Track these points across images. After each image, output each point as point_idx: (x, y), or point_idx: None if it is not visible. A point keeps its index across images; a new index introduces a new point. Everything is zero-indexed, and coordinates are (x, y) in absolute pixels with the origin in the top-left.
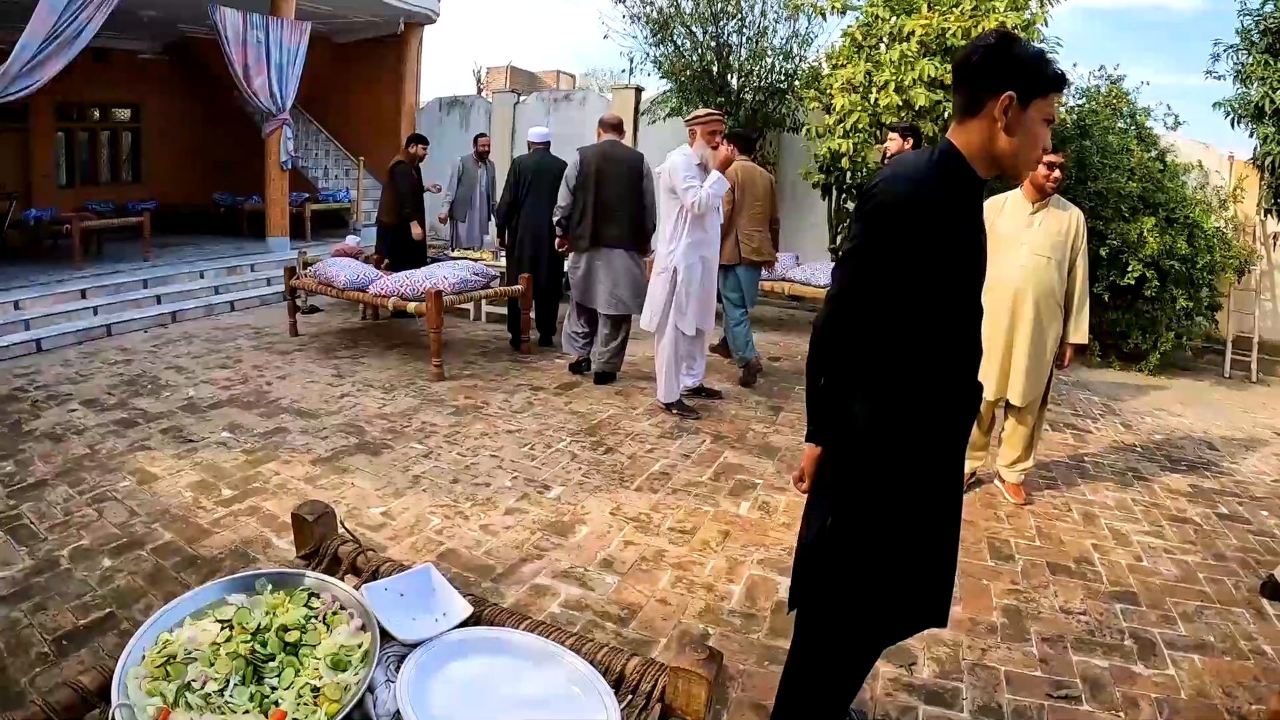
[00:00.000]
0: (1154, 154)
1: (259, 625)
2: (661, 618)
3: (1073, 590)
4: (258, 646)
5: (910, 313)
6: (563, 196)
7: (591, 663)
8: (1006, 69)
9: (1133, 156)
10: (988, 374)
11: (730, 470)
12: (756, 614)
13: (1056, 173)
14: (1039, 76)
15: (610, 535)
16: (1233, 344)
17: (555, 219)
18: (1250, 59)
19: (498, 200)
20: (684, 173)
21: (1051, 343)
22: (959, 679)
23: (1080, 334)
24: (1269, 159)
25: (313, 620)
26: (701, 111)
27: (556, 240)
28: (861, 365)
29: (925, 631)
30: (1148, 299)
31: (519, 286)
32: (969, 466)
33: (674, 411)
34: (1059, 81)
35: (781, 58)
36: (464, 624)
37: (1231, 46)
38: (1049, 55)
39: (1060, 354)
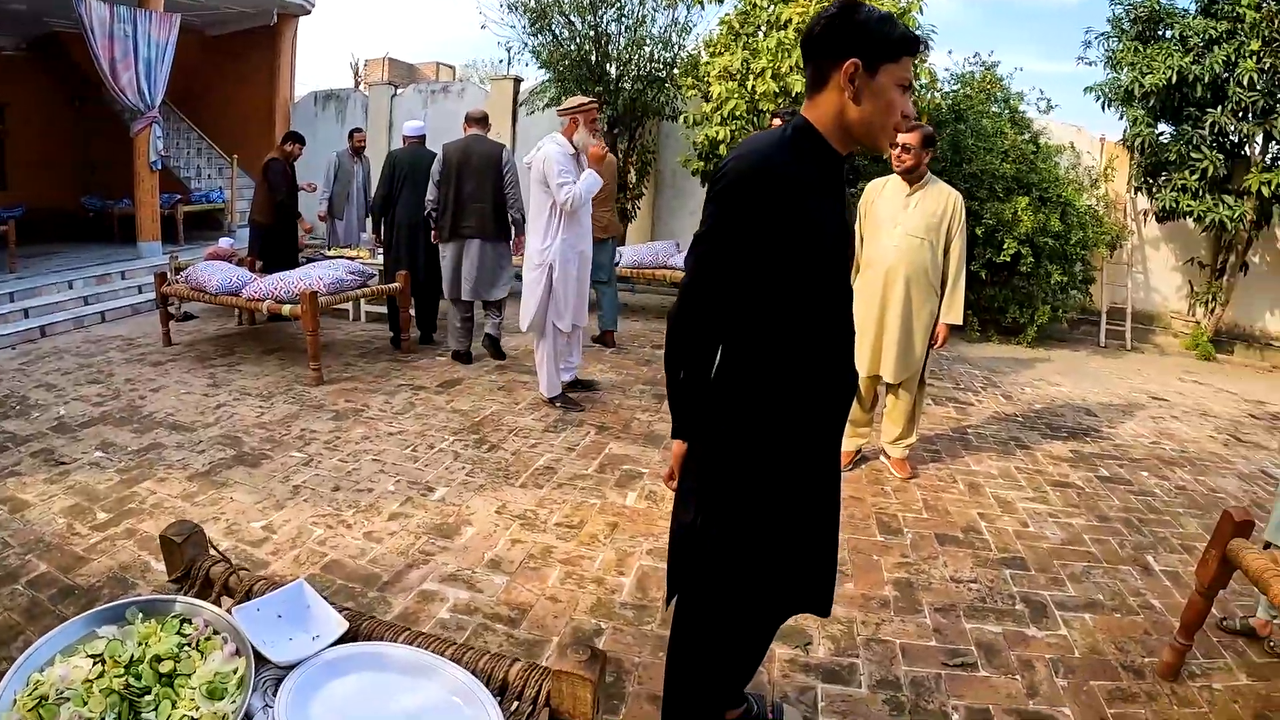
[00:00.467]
0: (1027, 137)
1: (132, 657)
2: (553, 616)
3: (962, 559)
4: (132, 680)
5: (768, 296)
6: (430, 190)
7: (473, 671)
8: (849, 36)
9: (1006, 139)
10: (860, 351)
11: (615, 461)
12: (649, 605)
13: (905, 155)
14: (885, 40)
15: (497, 534)
16: (1107, 315)
17: (425, 212)
18: (1121, 46)
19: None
20: (559, 166)
21: (924, 322)
22: (855, 655)
23: (954, 314)
24: (1138, 140)
25: (186, 648)
26: (580, 100)
27: (432, 234)
28: (722, 355)
29: None
30: (1024, 275)
31: (397, 284)
32: (853, 444)
33: (557, 405)
34: (909, 43)
35: (660, 46)
36: (341, 640)
37: (1103, 34)
38: (896, 18)
39: (935, 333)
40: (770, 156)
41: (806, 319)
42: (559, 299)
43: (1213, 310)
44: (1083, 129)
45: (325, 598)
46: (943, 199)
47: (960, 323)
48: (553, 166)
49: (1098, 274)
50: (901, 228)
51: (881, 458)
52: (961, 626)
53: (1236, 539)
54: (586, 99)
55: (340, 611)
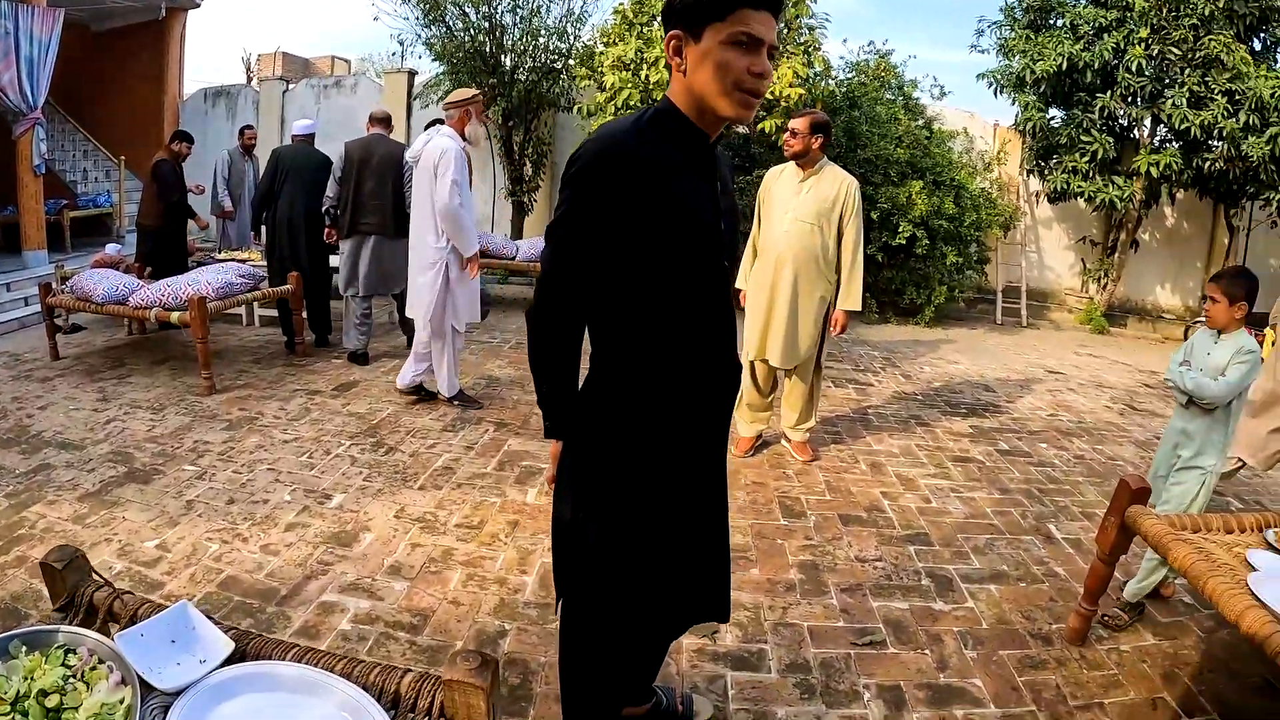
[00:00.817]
0: (921, 123)
1: (18, 693)
2: (455, 620)
3: (866, 539)
4: (19, 717)
5: (631, 284)
6: (330, 188)
7: (364, 686)
8: (668, 9)
9: (901, 125)
10: (751, 336)
11: (515, 458)
12: (552, 603)
13: (793, 140)
14: (699, 3)
15: (396, 540)
16: (1003, 293)
17: (324, 208)
18: (1013, 34)
19: None
20: (456, 163)
21: (814, 308)
22: (763, 640)
23: (852, 300)
24: (1030, 124)
25: (71, 680)
26: (469, 92)
27: (325, 230)
28: (590, 348)
29: None
30: (919, 257)
31: (289, 286)
32: (754, 430)
33: (455, 404)
34: None
35: (555, 36)
36: (229, 661)
37: (996, 23)
38: None
39: (834, 319)
40: (624, 139)
41: (674, 307)
42: (456, 298)
43: (1105, 286)
44: (976, 115)
45: (218, 617)
46: (836, 185)
47: (859, 308)
48: (450, 163)
49: (993, 254)
50: (792, 214)
51: (783, 441)
52: (869, 605)
53: (1134, 505)
54: (474, 91)
55: (228, 631)
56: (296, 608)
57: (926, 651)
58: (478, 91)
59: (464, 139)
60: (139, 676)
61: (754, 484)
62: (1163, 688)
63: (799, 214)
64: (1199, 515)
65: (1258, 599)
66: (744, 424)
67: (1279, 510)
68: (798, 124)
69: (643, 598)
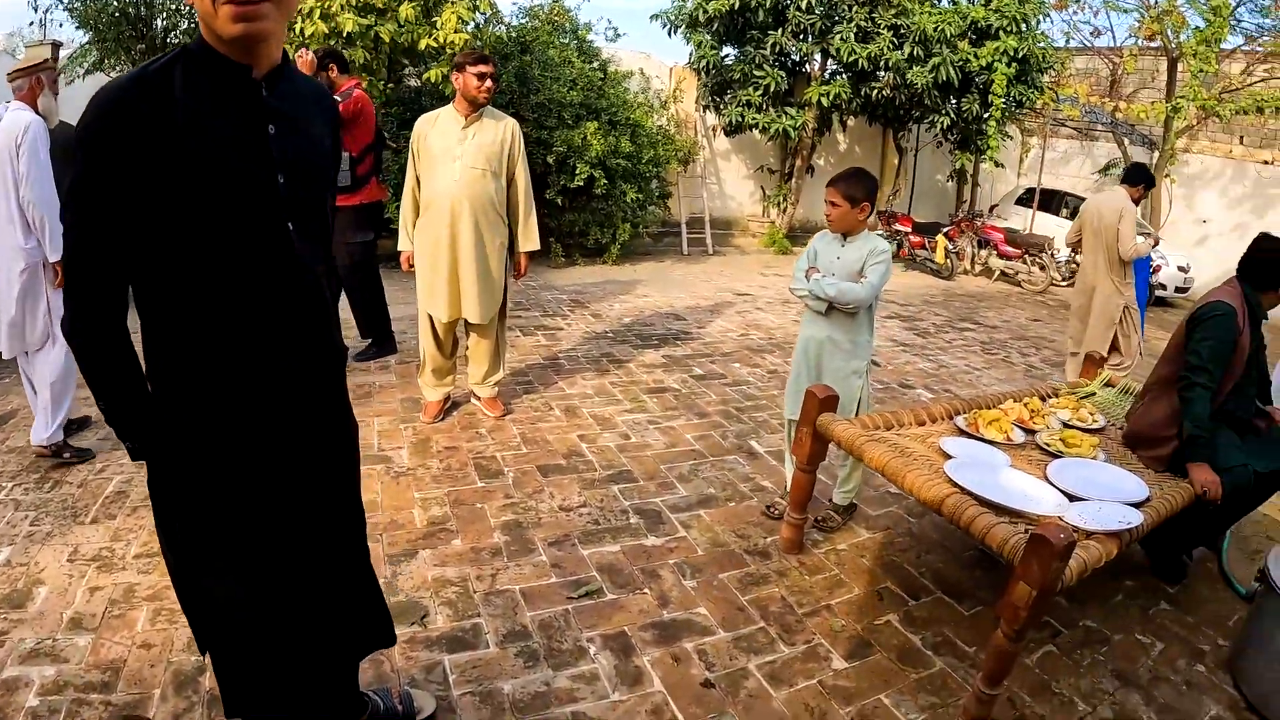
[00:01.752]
0: (596, 65)
1: None
2: (149, 665)
3: (569, 487)
4: None
5: (161, 262)
6: None
7: None
8: None
9: (574, 68)
10: (435, 298)
11: None
12: None
13: (488, 83)
14: None
15: (73, 587)
16: (687, 225)
17: None
18: None
19: None
20: (44, 146)
21: (497, 254)
22: (476, 615)
23: (531, 241)
24: (704, 62)
25: None
26: (39, 55)
27: None
28: (143, 344)
29: (428, 578)
30: (600, 197)
31: None
32: (440, 393)
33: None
34: None
35: None
36: None
37: None
38: None
39: (516, 264)
40: (121, 91)
41: (216, 283)
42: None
43: (785, 210)
44: (652, 56)
45: None
46: (500, 128)
47: (537, 248)
48: (38, 147)
49: (674, 189)
50: (460, 162)
51: (472, 400)
52: (579, 555)
53: (824, 414)
54: (45, 55)
55: None
56: None
57: (646, 590)
58: (45, 57)
59: (38, 113)
60: None
61: (446, 449)
62: (884, 577)
63: (469, 161)
64: (890, 413)
65: (955, 484)
66: (429, 389)
67: (968, 397)
68: (488, 68)
69: (254, 643)
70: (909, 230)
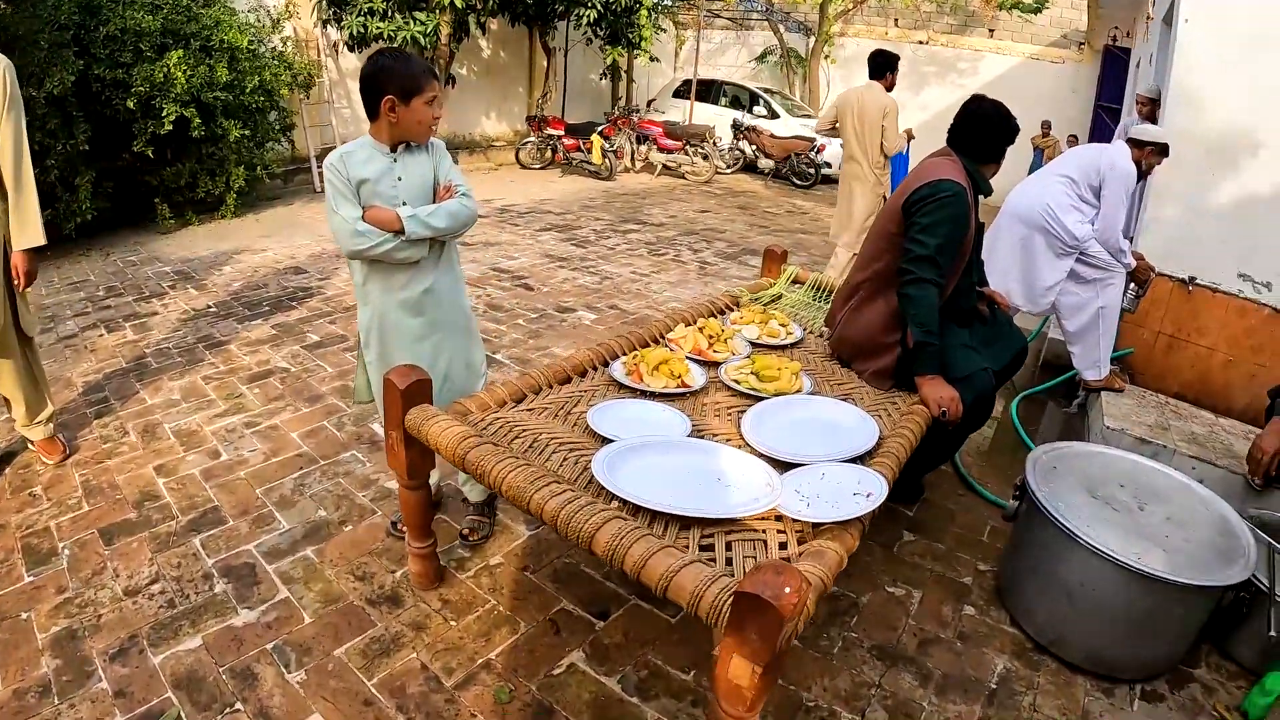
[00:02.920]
0: None
1: None
2: None
3: (137, 554)
4: None
5: None
6: None
7: None
8: None
9: None
10: None
11: None
12: None
13: None
14: None
15: None
16: (318, 159)
17: None
18: None
19: None
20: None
21: None
22: None
23: (30, 235)
24: None
25: None
26: None
27: None
28: None
29: None
30: (200, 140)
31: None
32: None
33: None
34: None
35: None
36: None
37: None
38: None
39: (13, 268)
40: None
41: None
42: None
43: None
44: None
45: None
46: None
47: (43, 241)
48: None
49: (298, 118)
50: None
51: (28, 447)
52: (150, 667)
53: (413, 409)
54: None
55: None
56: None
57: (239, 707)
58: None
59: None
60: None
61: None
62: (557, 594)
63: None
64: (518, 379)
65: (612, 493)
66: None
67: (635, 315)
68: None
69: None
70: (562, 133)
